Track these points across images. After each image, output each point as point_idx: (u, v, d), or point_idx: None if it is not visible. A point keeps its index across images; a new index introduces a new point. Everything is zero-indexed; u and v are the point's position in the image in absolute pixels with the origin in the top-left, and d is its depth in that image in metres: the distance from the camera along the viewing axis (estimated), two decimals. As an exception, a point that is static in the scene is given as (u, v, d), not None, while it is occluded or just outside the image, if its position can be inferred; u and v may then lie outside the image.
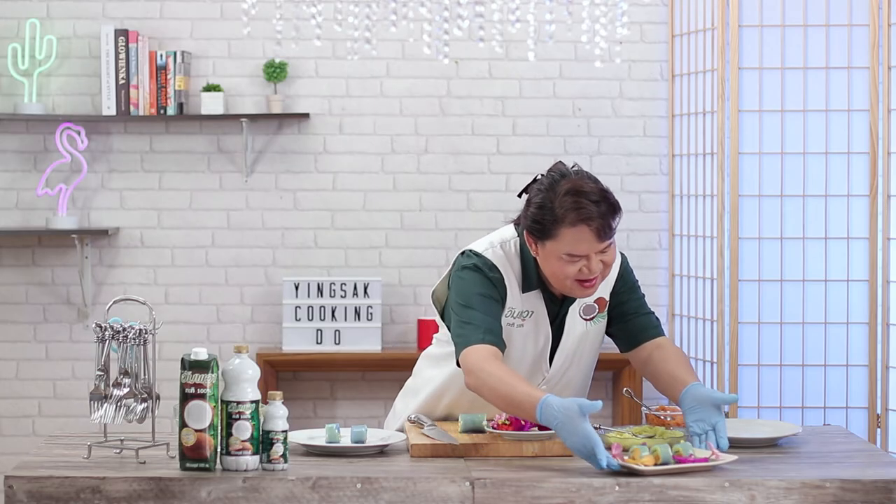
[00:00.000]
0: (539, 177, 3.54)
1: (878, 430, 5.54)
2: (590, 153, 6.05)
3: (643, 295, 3.77)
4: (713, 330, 5.72)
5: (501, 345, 3.49)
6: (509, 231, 3.65)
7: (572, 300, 3.63)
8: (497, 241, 3.61)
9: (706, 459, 3.19)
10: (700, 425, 3.38)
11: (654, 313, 3.76)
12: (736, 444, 3.46)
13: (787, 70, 5.65)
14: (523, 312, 3.60)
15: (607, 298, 3.67)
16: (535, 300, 3.61)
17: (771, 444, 3.50)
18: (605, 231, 3.44)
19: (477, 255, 3.58)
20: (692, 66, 5.85)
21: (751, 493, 3.09)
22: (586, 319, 3.66)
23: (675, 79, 5.98)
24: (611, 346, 5.98)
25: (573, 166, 3.54)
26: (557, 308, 3.63)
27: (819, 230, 5.63)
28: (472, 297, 3.52)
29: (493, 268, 3.55)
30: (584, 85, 6.04)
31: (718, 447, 3.32)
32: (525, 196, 3.58)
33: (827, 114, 5.62)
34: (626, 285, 3.70)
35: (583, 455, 3.17)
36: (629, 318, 3.71)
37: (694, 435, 3.37)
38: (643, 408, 3.71)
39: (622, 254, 3.75)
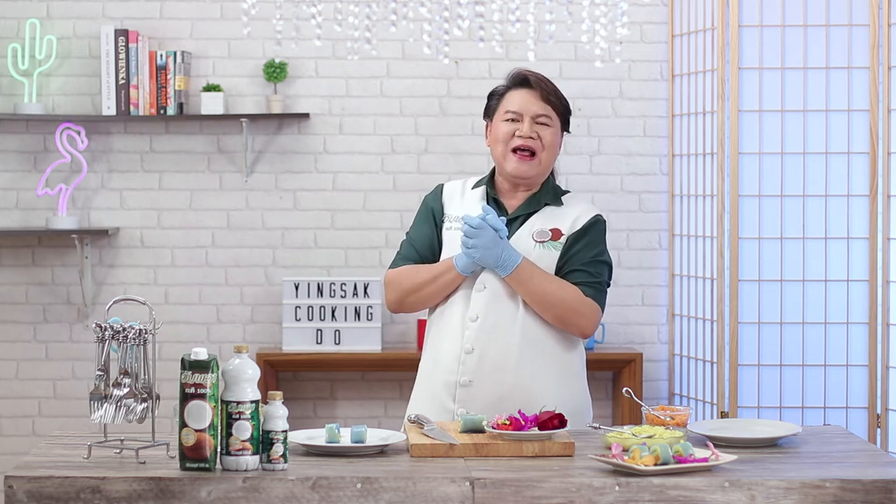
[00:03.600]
0: None
1: (878, 430, 5.54)
2: (590, 153, 6.05)
3: (599, 260, 3.80)
4: (713, 330, 5.72)
5: (419, 261, 3.84)
6: None
7: (524, 219, 3.80)
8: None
9: (706, 459, 3.20)
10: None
11: (598, 277, 3.79)
12: (736, 444, 3.46)
13: (787, 70, 5.64)
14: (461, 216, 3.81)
15: (564, 232, 3.80)
16: (477, 208, 3.80)
17: (771, 444, 3.50)
18: (542, 92, 3.76)
19: None
20: (692, 66, 5.85)
21: (751, 493, 3.09)
22: (538, 241, 3.79)
23: (675, 79, 5.98)
24: (611, 346, 6.02)
25: None
26: (504, 222, 3.76)
27: (819, 230, 5.63)
28: (412, 225, 3.92)
29: (438, 187, 3.94)
30: (584, 85, 6.03)
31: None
32: None
33: (827, 114, 5.62)
34: (583, 239, 3.79)
35: (493, 252, 3.65)
36: (566, 268, 3.79)
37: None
38: (643, 408, 3.71)
39: (600, 217, 3.86)
